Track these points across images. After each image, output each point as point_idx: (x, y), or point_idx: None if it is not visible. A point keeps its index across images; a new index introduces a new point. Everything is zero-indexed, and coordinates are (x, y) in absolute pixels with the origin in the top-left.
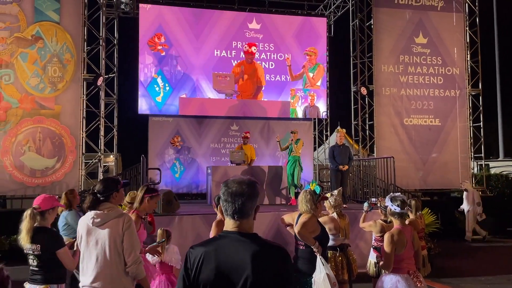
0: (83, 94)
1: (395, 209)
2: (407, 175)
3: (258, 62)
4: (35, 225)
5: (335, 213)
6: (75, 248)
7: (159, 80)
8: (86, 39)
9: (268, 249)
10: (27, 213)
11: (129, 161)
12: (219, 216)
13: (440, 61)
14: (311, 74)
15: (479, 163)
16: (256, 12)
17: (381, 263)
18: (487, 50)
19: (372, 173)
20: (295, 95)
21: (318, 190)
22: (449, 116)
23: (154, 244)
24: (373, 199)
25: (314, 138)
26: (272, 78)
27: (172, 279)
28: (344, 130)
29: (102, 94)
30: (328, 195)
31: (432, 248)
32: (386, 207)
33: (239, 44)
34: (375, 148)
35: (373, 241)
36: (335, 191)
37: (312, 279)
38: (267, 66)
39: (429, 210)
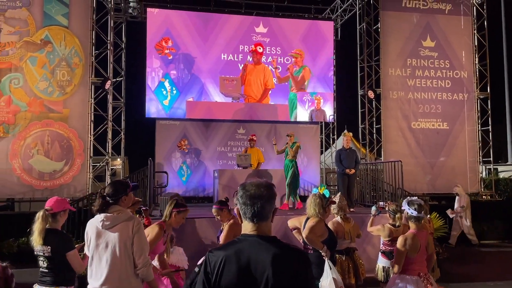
0: (91, 97)
1: (412, 213)
2: (414, 179)
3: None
4: (46, 226)
5: (339, 217)
6: (84, 252)
7: (166, 83)
8: (94, 43)
9: (289, 252)
10: (39, 214)
11: (136, 165)
12: (228, 219)
13: (448, 65)
14: (296, 77)
15: (487, 167)
16: (263, 16)
17: (395, 268)
18: (495, 54)
19: (379, 177)
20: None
21: (327, 194)
22: (457, 119)
23: (173, 271)
24: (381, 203)
25: (321, 141)
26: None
27: (179, 281)
28: (351, 134)
29: (109, 97)
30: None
31: (440, 252)
32: (395, 211)
33: (246, 47)
34: (382, 151)
35: (381, 246)
36: (337, 196)
37: (319, 283)
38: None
39: (437, 215)
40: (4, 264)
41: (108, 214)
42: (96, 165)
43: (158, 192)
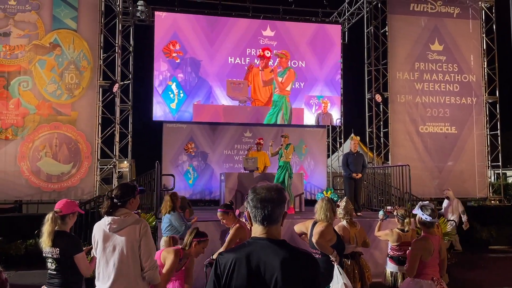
0: (99, 100)
1: (426, 218)
2: (422, 183)
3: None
4: (55, 228)
5: (345, 221)
6: (91, 255)
7: (173, 87)
8: (102, 46)
9: (298, 256)
10: (49, 216)
11: (143, 167)
12: (233, 222)
13: (456, 68)
14: (280, 79)
15: (496, 171)
16: (270, 19)
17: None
18: (504, 57)
19: (387, 181)
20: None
21: (336, 198)
22: (466, 124)
23: None
24: (389, 207)
25: (328, 145)
26: None
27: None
28: (359, 138)
29: (117, 100)
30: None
31: (448, 258)
32: (403, 216)
33: (253, 51)
34: (390, 155)
35: (389, 250)
36: (344, 200)
37: None
38: None
39: (445, 220)
40: None
41: (116, 217)
42: (104, 168)
43: (165, 195)
